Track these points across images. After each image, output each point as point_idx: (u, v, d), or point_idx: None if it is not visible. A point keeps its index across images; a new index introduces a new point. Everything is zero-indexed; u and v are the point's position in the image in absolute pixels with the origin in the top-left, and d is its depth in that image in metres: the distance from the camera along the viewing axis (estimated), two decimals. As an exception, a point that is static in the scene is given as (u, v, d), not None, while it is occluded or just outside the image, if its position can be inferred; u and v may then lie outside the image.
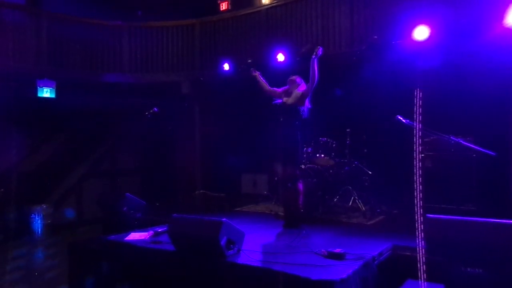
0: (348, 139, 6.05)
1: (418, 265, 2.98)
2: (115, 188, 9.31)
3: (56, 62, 7.46)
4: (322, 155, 5.91)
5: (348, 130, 6.09)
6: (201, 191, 8.36)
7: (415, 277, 3.06)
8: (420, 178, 3.10)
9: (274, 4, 7.47)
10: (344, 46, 6.50)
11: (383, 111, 4.99)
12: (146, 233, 4.39)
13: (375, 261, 3.44)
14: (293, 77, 4.95)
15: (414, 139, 3.45)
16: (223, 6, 9.34)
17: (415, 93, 3.16)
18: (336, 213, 5.66)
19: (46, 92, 7.29)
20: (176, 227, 3.74)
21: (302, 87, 4.84)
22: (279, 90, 5.07)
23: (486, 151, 4.11)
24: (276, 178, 6.34)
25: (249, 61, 6.64)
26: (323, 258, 3.39)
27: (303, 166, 5.68)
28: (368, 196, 5.81)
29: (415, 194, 3.09)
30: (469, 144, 4.40)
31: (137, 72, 8.15)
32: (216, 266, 3.37)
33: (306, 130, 4.87)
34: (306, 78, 4.85)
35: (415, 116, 3.25)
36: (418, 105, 3.18)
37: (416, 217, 3.01)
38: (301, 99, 4.76)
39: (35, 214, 7.54)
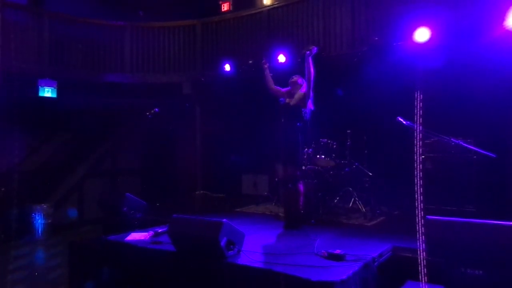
0: (348, 140, 6.05)
1: (418, 267, 2.99)
2: (115, 188, 9.32)
3: (57, 62, 7.49)
4: (323, 156, 5.91)
5: (348, 131, 6.09)
6: (202, 191, 8.37)
7: (415, 278, 3.06)
8: (421, 180, 3.10)
9: (276, 5, 7.48)
10: (345, 47, 6.51)
11: (383, 112, 4.99)
12: (146, 234, 4.39)
13: (375, 262, 3.44)
14: (295, 79, 4.96)
15: (415, 141, 3.46)
16: (225, 7, 9.36)
17: (416, 94, 3.16)
18: (336, 214, 5.66)
19: (47, 92, 7.31)
20: (176, 228, 3.74)
21: (304, 87, 4.85)
22: (283, 90, 5.08)
23: (486, 153, 4.11)
24: (276, 179, 6.34)
25: (250, 62, 6.66)
26: (323, 259, 3.39)
27: (303, 167, 5.68)
28: (368, 197, 5.81)
29: (416, 195, 3.10)
30: (469, 146, 4.40)
31: (138, 72, 8.17)
32: (216, 267, 3.37)
33: (307, 131, 4.87)
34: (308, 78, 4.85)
35: (415, 118, 3.25)
36: (418, 106, 3.18)
37: (416, 218, 3.01)
38: (303, 99, 4.75)
39: (35, 214, 7.55)
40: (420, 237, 2.96)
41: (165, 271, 3.69)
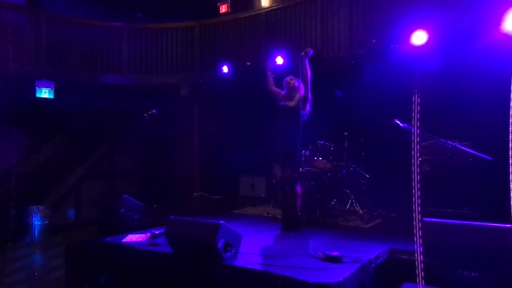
0: (346, 142, 6.07)
1: (415, 269, 3.00)
2: (113, 190, 9.30)
3: (55, 63, 7.47)
4: (320, 158, 5.92)
5: (346, 133, 6.11)
6: (199, 193, 8.37)
7: (412, 280, 3.07)
8: (418, 182, 3.12)
9: (274, 7, 7.49)
10: (343, 50, 6.53)
11: (381, 114, 5.01)
12: (144, 235, 4.38)
13: (372, 264, 3.45)
14: (291, 82, 4.93)
15: (412, 143, 3.47)
16: (223, 9, 9.35)
17: (413, 97, 3.18)
18: (333, 216, 5.66)
19: (45, 93, 7.29)
20: (174, 229, 3.74)
21: (302, 90, 4.85)
22: (283, 92, 5.08)
23: (483, 155, 4.13)
24: (274, 181, 6.34)
25: (248, 63, 6.68)
26: (321, 261, 3.39)
27: (301, 169, 5.69)
28: (365, 199, 5.82)
29: (413, 197, 3.11)
30: (466, 149, 4.42)
31: (136, 73, 8.16)
32: (213, 269, 3.37)
33: (305, 133, 4.87)
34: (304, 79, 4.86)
35: (413, 121, 3.27)
36: (416, 109, 3.20)
37: (413, 220, 3.02)
38: (302, 102, 4.75)
39: (33, 215, 7.52)
40: (417, 239, 2.97)
41: (162, 273, 3.68)
